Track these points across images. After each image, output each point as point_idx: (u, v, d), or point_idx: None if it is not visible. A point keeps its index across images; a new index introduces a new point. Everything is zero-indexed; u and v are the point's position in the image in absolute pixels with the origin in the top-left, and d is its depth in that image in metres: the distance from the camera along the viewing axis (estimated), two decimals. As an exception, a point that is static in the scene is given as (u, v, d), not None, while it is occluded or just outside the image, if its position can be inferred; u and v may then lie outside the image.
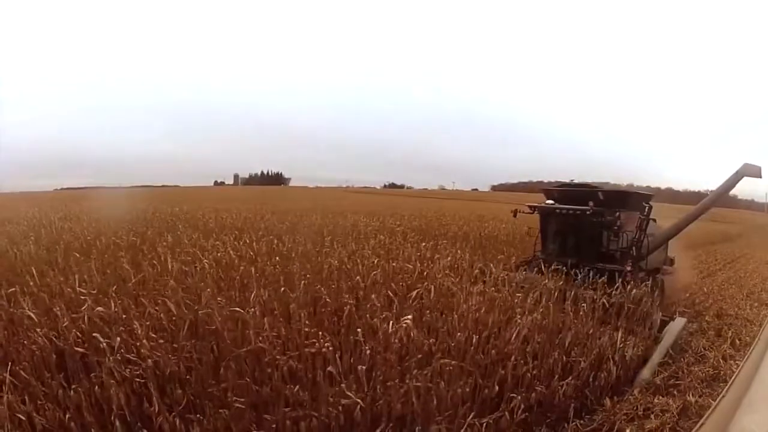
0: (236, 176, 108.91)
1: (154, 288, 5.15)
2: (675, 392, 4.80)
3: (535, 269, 8.30)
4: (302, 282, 4.78)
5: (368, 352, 3.71)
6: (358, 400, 3.21)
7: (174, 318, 4.21)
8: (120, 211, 18.06)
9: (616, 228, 8.28)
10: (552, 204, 9.36)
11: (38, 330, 4.01)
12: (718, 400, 2.12)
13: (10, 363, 3.69)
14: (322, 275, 5.75)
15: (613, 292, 6.90)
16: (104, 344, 3.57)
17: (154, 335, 3.89)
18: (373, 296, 4.50)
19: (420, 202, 39.39)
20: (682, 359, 5.80)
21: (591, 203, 8.27)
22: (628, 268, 8.09)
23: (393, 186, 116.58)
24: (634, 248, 8.39)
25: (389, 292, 5.04)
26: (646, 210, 8.26)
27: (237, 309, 3.98)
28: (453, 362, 3.62)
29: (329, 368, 3.44)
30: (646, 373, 5.37)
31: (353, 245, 8.40)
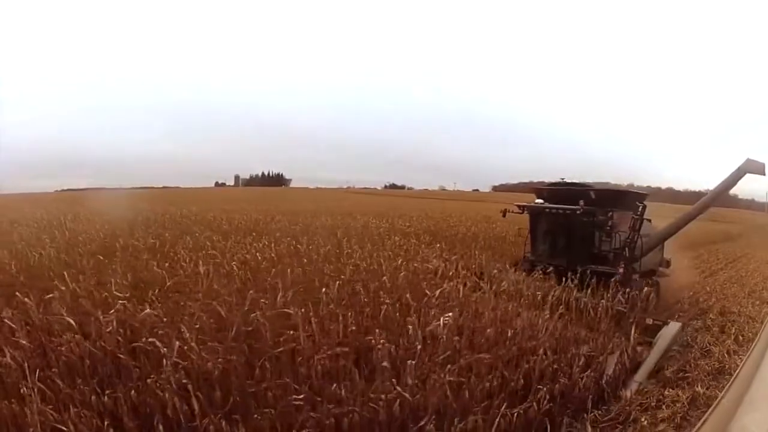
0: (237, 177, 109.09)
1: (192, 290, 5.28)
2: (684, 384, 5.10)
3: (524, 272, 8.10)
4: (337, 282, 5.02)
5: (401, 350, 3.91)
6: (406, 394, 3.39)
7: (214, 321, 4.28)
8: (129, 213, 18.09)
9: (608, 228, 8.01)
10: (541, 203, 9.14)
11: (75, 335, 3.96)
12: (719, 399, 2.13)
13: (38, 370, 3.64)
14: (346, 276, 5.99)
15: (605, 296, 6.73)
16: (161, 349, 3.60)
17: (202, 338, 3.98)
18: (408, 295, 4.78)
19: (422, 202, 39.65)
20: (689, 354, 6.11)
21: (581, 202, 8.00)
22: (620, 270, 7.82)
23: (394, 186, 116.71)
24: (626, 249, 8.00)
25: (417, 292, 5.26)
26: (640, 210, 7.85)
27: (286, 310, 4.16)
28: (487, 356, 3.88)
29: (384, 363, 3.60)
30: (636, 379, 5.19)
31: (369, 246, 8.70)
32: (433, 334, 4.05)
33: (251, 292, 4.33)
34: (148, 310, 4.24)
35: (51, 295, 4.77)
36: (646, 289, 7.93)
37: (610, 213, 8.05)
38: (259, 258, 6.79)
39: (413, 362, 3.63)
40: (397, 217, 17.63)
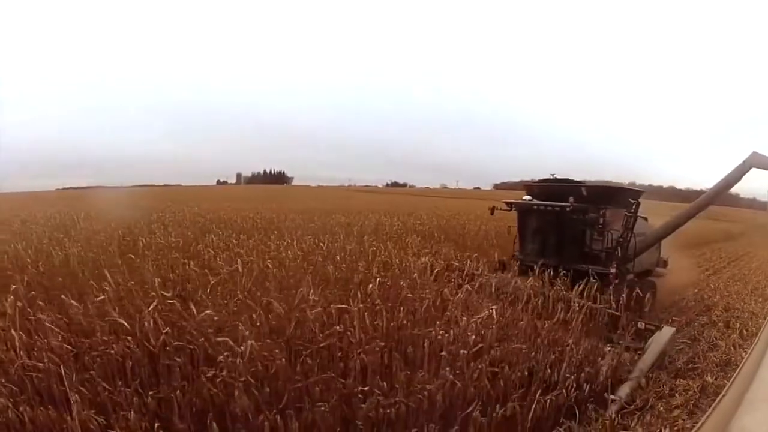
0: (239, 175, 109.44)
1: (235, 289, 5.30)
2: (694, 375, 5.49)
3: (511, 272, 7.89)
4: (376, 280, 5.33)
5: (443, 342, 4.16)
6: (457, 381, 3.70)
7: (272, 318, 4.39)
8: (139, 211, 17.97)
9: (599, 226, 7.69)
10: (529, 200, 8.87)
11: (127, 337, 3.90)
12: (718, 399, 2.16)
13: (77, 372, 3.61)
14: (376, 273, 6.22)
15: (599, 297, 6.45)
16: (218, 347, 3.65)
17: (260, 335, 4.07)
18: (446, 290, 5.14)
19: (426, 200, 39.87)
20: (698, 347, 6.50)
21: (571, 199, 7.70)
22: (612, 271, 7.57)
23: (395, 185, 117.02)
24: (619, 249, 7.72)
25: (449, 287, 5.58)
26: (633, 207, 7.52)
27: (344, 306, 4.41)
28: (523, 347, 4.23)
29: (442, 353, 3.93)
30: (622, 392, 4.81)
31: (390, 244, 9.02)
32: (469, 328, 4.37)
33: (301, 289, 4.55)
34: (208, 311, 4.24)
35: (102, 297, 4.60)
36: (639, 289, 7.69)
37: (602, 210, 7.74)
38: (291, 256, 6.94)
39: (465, 352, 3.98)
40: (406, 215, 17.88)
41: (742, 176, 7.27)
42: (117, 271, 6.41)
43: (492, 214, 9.56)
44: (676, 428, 4.00)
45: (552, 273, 7.15)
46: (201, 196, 37.89)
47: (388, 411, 3.62)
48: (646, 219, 9.15)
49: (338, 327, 4.23)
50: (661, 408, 4.50)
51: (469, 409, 3.71)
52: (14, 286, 4.73)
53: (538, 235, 8.85)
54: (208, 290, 5.13)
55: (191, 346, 3.95)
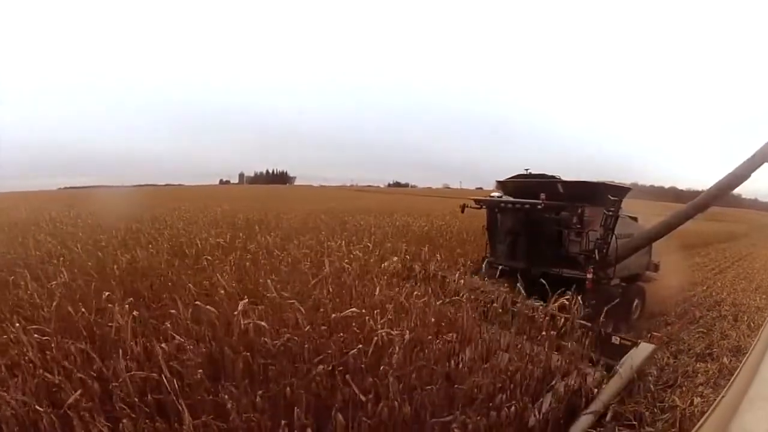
0: (242, 175, 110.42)
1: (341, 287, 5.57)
2: (711, 359, 6.45)
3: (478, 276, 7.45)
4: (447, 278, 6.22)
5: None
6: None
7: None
8: (161, 210, 17.94)
9: (577, 226, 7.16)
10: (498, 197, 8.36)
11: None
12: (718, 399, 2.16)
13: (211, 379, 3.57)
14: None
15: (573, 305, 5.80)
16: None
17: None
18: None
19: (434, 201, 40.32)
20: (712, 336, 7.44)
21: (543, 195, 7.07)
22: (589, 276, 6.99)
23: (398, 185, 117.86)
24: (596, 251, 7.02)
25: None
26: (614, 205, 6.87)
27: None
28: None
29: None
30: (581, 424, 3.98)
31: (429, 245, 9.79)
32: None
33: (407, 286, 5.17)
34: (353, 309, 4.44)
35: (209, 307, 4.45)
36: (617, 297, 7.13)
37: (580, 209, 7.18)
38: (361, 256, 7.35)
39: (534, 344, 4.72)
40: (424, 215, 18.67)
41: (751, 172, 6.16)
42: (193, 272, 6.54)
43: (462, 212, 8.97)
44: (702, 398, 4.90)
45: (522, 277, 6.56)
46: (212, 196, 38.08)
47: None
48: (635, 219, 8.64)
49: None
50: (689, 384, 5.44)
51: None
52: (107, 293, 4.68)
53: (508, 235, 8.27)
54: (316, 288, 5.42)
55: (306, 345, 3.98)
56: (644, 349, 4.87)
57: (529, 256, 7.83)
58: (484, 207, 8.54)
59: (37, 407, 3.17)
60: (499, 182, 8.85)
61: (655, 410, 4.65)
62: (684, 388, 5.21)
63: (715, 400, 2.25)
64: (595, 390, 4.19)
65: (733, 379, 2.39)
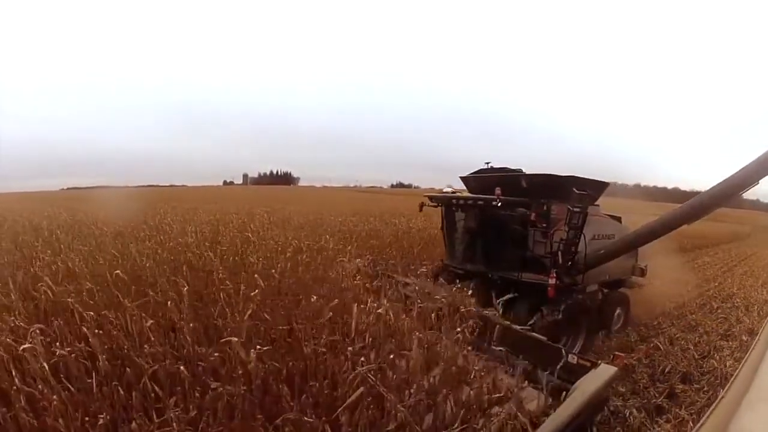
0: (245, 176, 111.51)
1: None
2: (731, 338, 7.69)
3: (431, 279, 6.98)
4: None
5: None
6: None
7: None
8: (200, 213, 18.17)
9: (543, 226, 6.48)
10: (451, 192, 7.89)
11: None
12: (718, 400, 2.17)
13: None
14: None
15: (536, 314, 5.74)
16: None
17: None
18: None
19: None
20: (728, 321, 8.67)
21: (498, 191, 6.29)
22: (551, 281, 6.27)
23: (401, 185, 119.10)
24: (560, 254, 6.30)
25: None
26: (582, 201, 6.12)
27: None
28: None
29: None
30: None
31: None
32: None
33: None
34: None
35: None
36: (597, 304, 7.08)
37: (546, 205, 6.50)
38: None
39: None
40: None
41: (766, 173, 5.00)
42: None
43: (420, 210, 8.41)
44: (733, 361, 6.09)
45: (479, 282, 6.27)
46: (225, 197, 37.78)
47: None
48: (619, 219, 8.00)
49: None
50: (720, 355, 6.67)
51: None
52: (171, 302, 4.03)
53: (464, 236, 7.57)
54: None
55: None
56: (603, 371, 3.90)
57: (487, 258, 7.07)
58: (440, 205, 7.89)
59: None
60: (462, 178, 8.05)
61: (699, 373, 5.95)
62: (717, 357, 6.48)
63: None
64: (542, 418, 3.36)
65: (733, 379, 2.38)
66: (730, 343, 7.30)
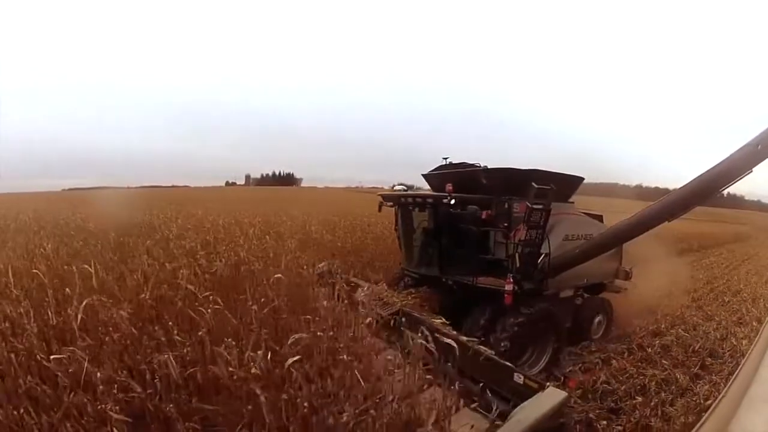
0: (248, 177, 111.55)
1: None
2: (743, 325, 8.80)
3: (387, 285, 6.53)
4: None
5: None
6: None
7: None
8: (222, 214, 18.02)
9: (504, 225, 5.96)
10: (403, 190, 7.46)
11: None
12: (718, 399, 2.18)
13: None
14: None
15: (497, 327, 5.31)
16: None
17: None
18: None
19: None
20: (742, 308, 9.78)
21: (449, 187, 5.84)
22: (508, 286, 5.72)
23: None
24: (518, 256, 5.78)
25: None
26: (546, 196, 5.58)
27: None
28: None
29: None
30: None
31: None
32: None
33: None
34: None
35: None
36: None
37: (506, 203, 6.02)
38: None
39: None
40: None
41: (754, 165, 4.41)
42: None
43: (379, 210, 7.84)
44: (748, 342, 7.21)
45: (434, 287, 6.02)
46: (235, 198, 37.33)
47: None
48: (600, 218, 7.52)
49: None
50: (733, 339, 7.78)
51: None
52: (202, 310, 4.10)
53: (419, 237, 7.05)
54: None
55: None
56: (551, 395, 3.59)
57: (441, 261, 6.54)
58: (395, 205, 7.34)
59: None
60: (424, 176, 7.61)
61: (721, 350, 7.11)
62: (734, 338, 7.62)
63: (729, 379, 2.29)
64: None
65: (733, 379, 2.36)
66: (743, 329, 8.44)
